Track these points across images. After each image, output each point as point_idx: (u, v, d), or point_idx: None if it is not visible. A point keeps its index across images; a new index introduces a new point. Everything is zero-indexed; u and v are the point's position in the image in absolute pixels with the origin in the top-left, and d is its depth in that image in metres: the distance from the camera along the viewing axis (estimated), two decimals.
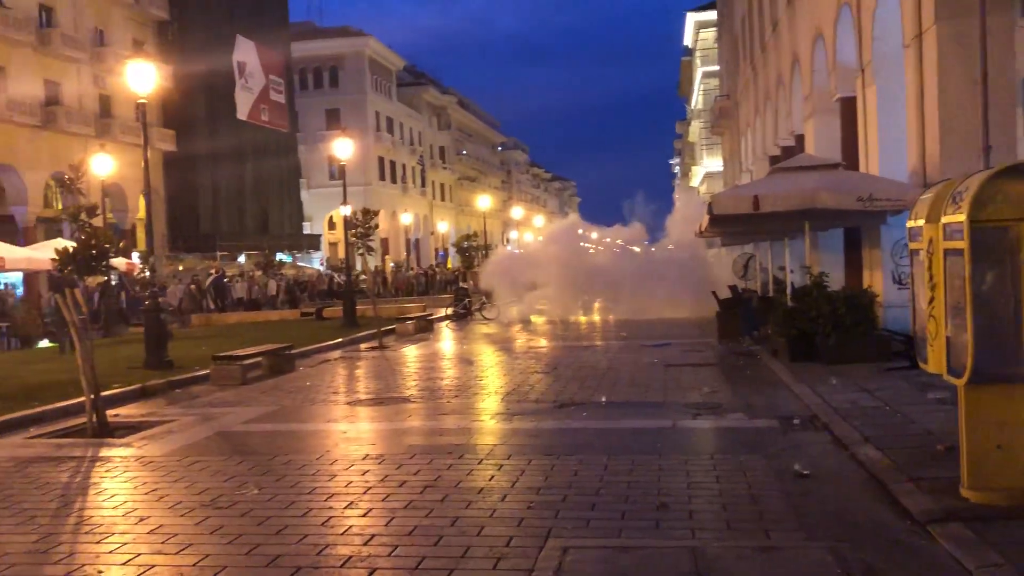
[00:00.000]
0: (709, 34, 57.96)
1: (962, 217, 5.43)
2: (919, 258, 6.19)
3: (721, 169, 52.95)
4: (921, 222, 6.05)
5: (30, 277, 32.56)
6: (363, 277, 34.11)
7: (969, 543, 5.08)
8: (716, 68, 53.65)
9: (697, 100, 66.51)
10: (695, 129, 71.08)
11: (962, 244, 5.45)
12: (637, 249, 34.87)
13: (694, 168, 74.97)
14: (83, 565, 5.47)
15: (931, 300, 5.89)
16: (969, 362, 5.46)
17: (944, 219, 5.67)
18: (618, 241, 37.35)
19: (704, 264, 27.18)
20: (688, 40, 67.40)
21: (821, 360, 12.62)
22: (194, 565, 5.39)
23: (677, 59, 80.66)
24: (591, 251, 36.46)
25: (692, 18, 61.78)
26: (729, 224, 16.08)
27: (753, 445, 8.11)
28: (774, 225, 16.06)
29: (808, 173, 13.84)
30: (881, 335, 13.11)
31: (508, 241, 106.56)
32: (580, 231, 38.61)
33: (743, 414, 9.74)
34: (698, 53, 63.34)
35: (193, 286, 35.50)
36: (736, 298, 18.65)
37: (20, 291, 30.73)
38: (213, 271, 37.93)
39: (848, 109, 16.79)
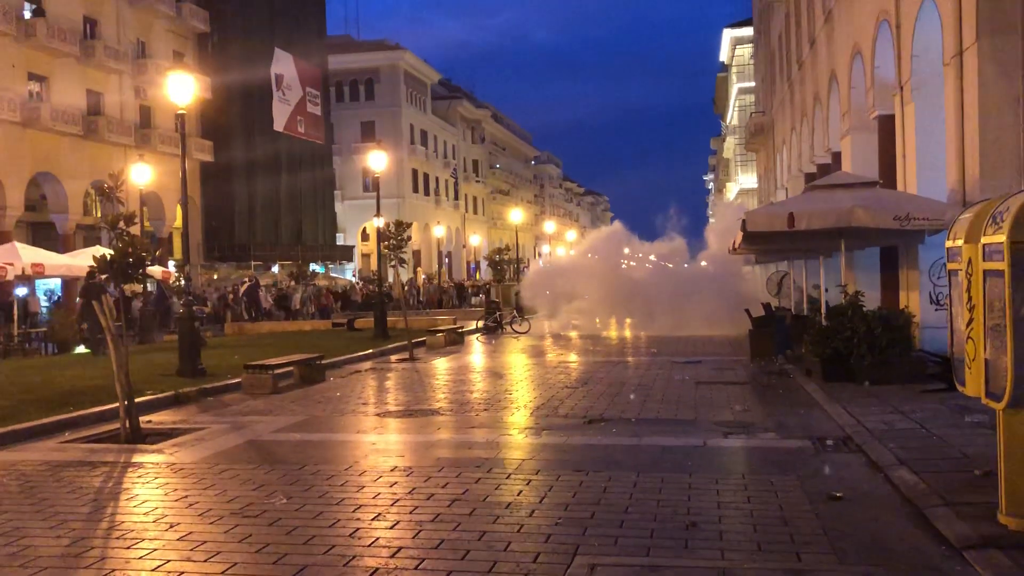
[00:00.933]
0: (745, 50, 57.76)
1: (1003, 238, 5.33)
2: (958, 279, 6.09)
3: (756, 186, 52.61)
4: (960, 242, 5.96)
5: (69, 283, 33.11)
6: (388, 283, 34.22)
7: (1007, 570, 4.96)
8: (752, 84, 53.45)
9: (732, 116, 66.24)
10: (730, 145, 70.78)
11: (1002, 265, 5.35)
12: (670, 265, 34.65)
13: (728, 184, 74.57)
14: (113, 570, 5.52)
15: (969, 321, 5.79)
16: (1009, 385, 5.35)
17: (984, 239, 5.57)
18: (651, 256, 37.21)
19: (737, 281, 26.98)
20: (724, 56, 67.26)
21: (856, 381, 12.45)
22: (222, 573, 5.41)
23: (713, 75, 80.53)
24: (624, 266, 36.39)
25: (728, 34, 61.64)
26: (763, 241, 15.95)
27: (785, 466, 8.00)
28: (809, 243, 15.93)
29: (844, 191, 13.69)
30: (917, 356, 12.91)
31: (540, 255, 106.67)
32: (622, 242, 38.17)
33: (775, 434, 9.62)
34: (734, 69, 63.13)
35: (232, 295, 35.92)
36: (769, 316, 18.47)
37: (59, 296, 31.21)
38: (247, 280, 38.31)
39: (886, 127, 16.61)
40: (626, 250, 39.78)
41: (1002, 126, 11.70)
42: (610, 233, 39.98)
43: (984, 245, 5.58)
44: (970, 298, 5.78)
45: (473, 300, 46.07)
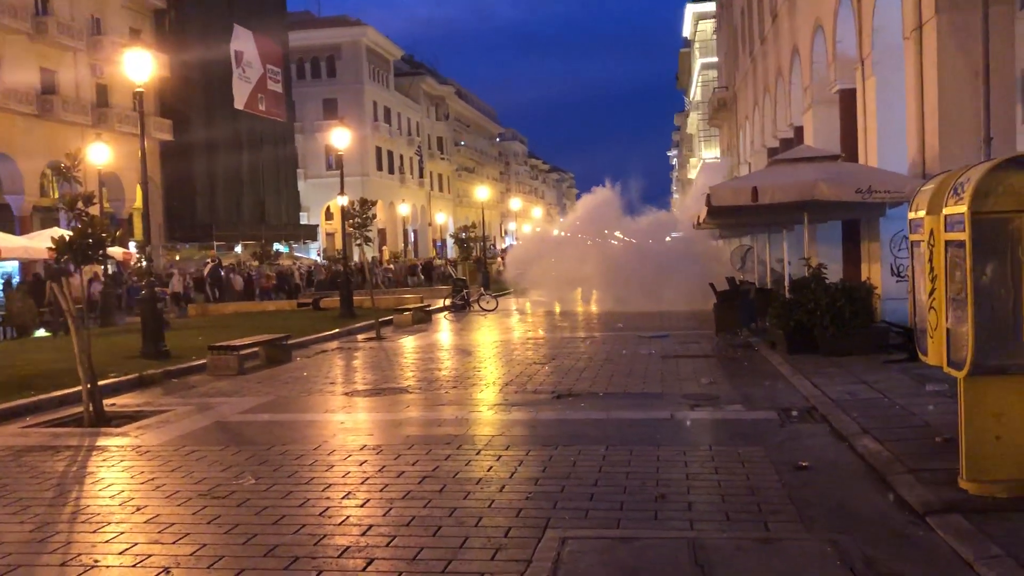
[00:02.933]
0: (708, 25, 57.83)
1: (963, 208, 5.41)
2: (920, 250, 6.17)
3: (719, 161, 52.87)
4: (922, 213, 6.03)
5: (26, 266, 32.48)
6: (354, 262, 33.88)
7: (968, 534, 5.07)
8: (715, 60, 53.53)
9: (696, 92, 66.41)
10: (693, 121, 70.98)
11: (963, 236, 5.43)
12: (651, 240, 34.21)
13: (692, 160, 74.87)
14: (79, 554, 5.45)
15: (931, 292, 5.88)
16: (969, 354, 5.45)
17: (945, 210, 5.65)
18: (616, 233, 37.16)
19: (704, 256, 27.10)
20: (687, 31, 67.28)
21: (819, 352, 12.61)
22: (191, 555, 5.37)
23: (676, 51, 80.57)
24: (603, 241, 36.25)
25: (691, 9, 61.65)
26: (727, 216, 16.06)
27: (751, 436, 8.10)
28: (772, 217, 16.06)
29: (807, 165, 13.81)
30: (879, 327, 13.10)
31: (507, 232, 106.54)
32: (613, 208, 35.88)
33: (741, 405, 9.73)
34: (697, 44, 63.20)
35: (194, 277, 35.54)
36: (734, 290, 18.63)
37: (16, 280, 30.63)
38: (210, 260, 37.87)
39: (847, 101, 16.75)
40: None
41: (961, 99, 11.84)
42: (604, 201, 36.78)
43: (946, 216, 5.65)
44: (932, 269, 5.87)
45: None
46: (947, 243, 5.67)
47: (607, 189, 37.20)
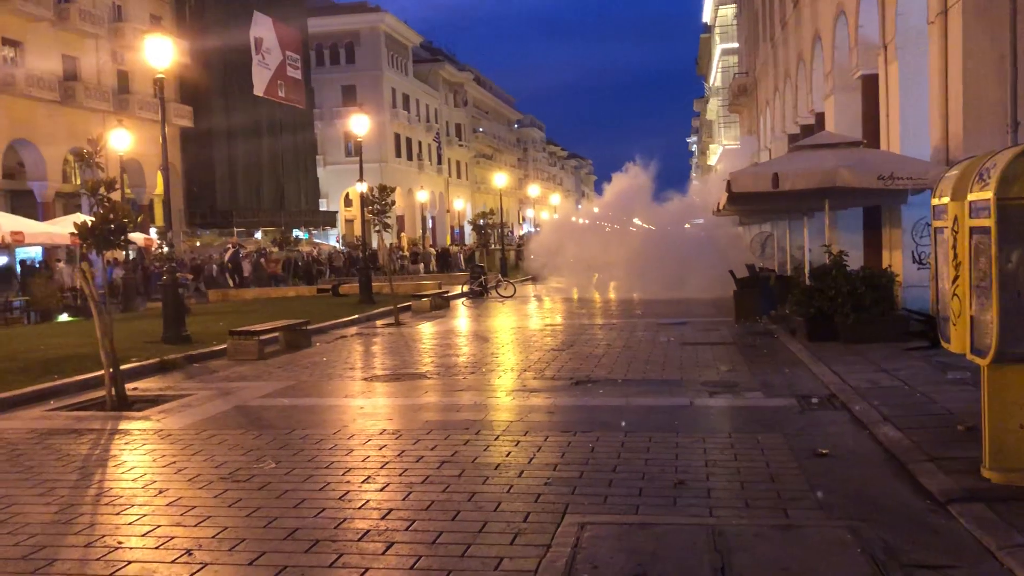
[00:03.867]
0: (728, 11, 57.32)
1: (989, 194, 5.34)
2: (943, 236, 6.11)
3: (739, 147, 52.51)
4: (946, 200, 5.97)
5: (49, 251, 32.78)
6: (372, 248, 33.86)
7: (990, 523, 5.03)
8: (735, 45, 53.13)
9: (715, 78, 65.93)
10: (713, 107, 70.53)
11: (988, 222, 5.37)
12: (687, 226, 33.71)
13: (712, 146, 74.42)
14: (103, 536, 5.51)
15: (955, 279, 5.82)
16: (994, 342, 5.40)
17: (970, 196, 5.59)
18: (635, 220, 36.98)
19: (724, 243, 26.92)
20: (707, 17, 66.78)
21: (839, 340, 12.55)
22: (213, 537, 5.42)
23: (696, 36, 80.00)
24: (607, 229, 36.17)
25: None
26: (747, 202, 15.96)
27: (771, 424, 8.07)
28: (793, 204, 15.95)
29: (828, 151, 13.70)
30: (900, 315, 13.01)
31: (525, 219, 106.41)
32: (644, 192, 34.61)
33: (761, 393, 9.69)
34: (717, 30, 62.70)
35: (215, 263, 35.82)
36: (753, 277, 18.54)
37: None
38: (230, 246, 38.08)
39: (870, 86, 16.57)
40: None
41: (986, 84, 11.69)
42: (634, 185, 35.31)
43: (970, 202, 5.59)
44: (956, 255, 5.81)
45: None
46: (971, 229, 5.60)
47: (636, 173, 36.12)
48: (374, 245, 35.35)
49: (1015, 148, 5.58)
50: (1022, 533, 4.81)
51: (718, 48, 62.40)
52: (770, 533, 5.20)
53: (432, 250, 52.53)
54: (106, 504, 6.25)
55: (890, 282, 13.13)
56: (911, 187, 12.67)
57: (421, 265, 45.27)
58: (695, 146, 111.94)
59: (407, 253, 48.84)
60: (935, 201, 6.32)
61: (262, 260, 36.86)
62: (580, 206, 46.45)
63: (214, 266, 35.91)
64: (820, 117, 21.45)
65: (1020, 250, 5.43)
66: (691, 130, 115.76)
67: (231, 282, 34.68)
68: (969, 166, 5.86)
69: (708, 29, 69.67)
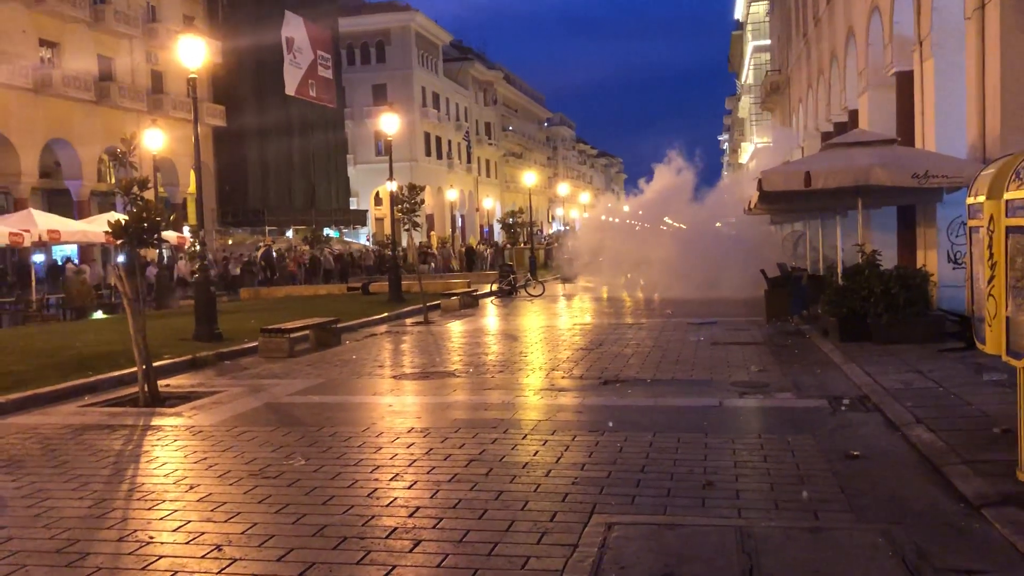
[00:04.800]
0: (761, 7, 56.85)
1: None
2: (979, 235, 6.00)
3: (772, 145, 52.03)
4: (982, 198, 5.87)
5: (85, 249, 33.30)
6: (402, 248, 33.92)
7: None
8: (767, 42, 52.67)
9: (747, 75, 65.41)
10: (745, 104, 69.97)
11: None
12: (718, 224, 33.45)
13: (743, 144, 73.84)
14: (135, 531, 5.58)
15: (990, 279, 5.72)
16: None
17: (1007, 195, 5.48)
18: (665, 219, 36.75)
19: (756, 242, 26.65)
20: (739, 14, 66.27)
21: (872, 340, 12.39)
22: (242, 533, 5.46)
23: (727, 33, 79.41)
24: (637, 228, 36.02)
25: None
26: (779, 201, 15.81)
27: (801, 425, 7.99)
28: (825, 202, 15.77)
29: (862, 149, 13.52)
30: (935, 315, 12.83)
31: (554, 218, 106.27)
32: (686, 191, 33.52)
33: (791, 393, 9.60)
34: (749, 27, 62.20)
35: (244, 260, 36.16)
36: (785, 277, 18.36)
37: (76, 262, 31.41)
38: (263, 244, 38.44)
39: (904, 83, 16.35)
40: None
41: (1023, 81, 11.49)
42: (676, 184, 34.08)
43: (1007, 201, 5.49)
44: (991, 255, 5.71)
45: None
46: (1008, 229, 5.50)
47: (678, 168, 35.18)
48: (404, 243, 35.47)
49: None
50: None
51: (750, 45, 61.92)
52: (800, 535, 5.15)
53: (451, 249, 51.83)
54: (138, 499, 6.32)
55: (924, 282, 12.95)
56: (946, 185, 12.48)
57: (430, 265, 42.73)
58: (726, 144, 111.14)
59: (435, 251, 48.93)
60: (970, 200, 6.22)
61: (287, 258, 37.08)
62: (610, 205, 45.78)
63: (237, 265, 36.15)
64: (854, 115, 21.21)
65: None
66: (722, 128, 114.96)
67: (265, 276, 34.97)
68: (1006, 164, 5.75)
69: (740, 26, 69.12)
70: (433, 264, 44.43)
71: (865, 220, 14.45)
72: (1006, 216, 5.51)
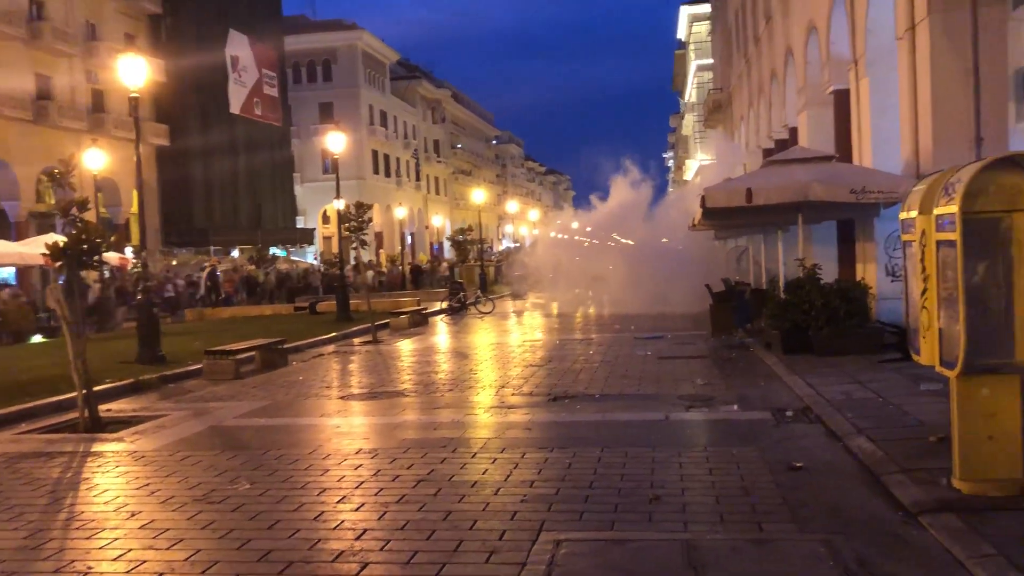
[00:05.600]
0: (703, 27, 57.91)
1: (954, 208, 5.42)
2: (912, 250, 6.18)
3: (713, 164, 52.84)
4: (914, 213, 6.05)
5: (22, 272, 32.42)
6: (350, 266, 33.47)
7: (961, 534, 5.08)
8: (710, 61, 53.62)
9: (691, 93, 66.47)
10: (688, 122, 71.04)
11: (954, 235, 5.44)
12: (630, 242, 34.14)
13: (688, 161, 74.90)
14: (73, 561, 5.44)
15: (924, 292, 5.89)
16: (961, 354, 5.46)
17: (937, 210, 5.66)
18: (614, 235, 37.07)
19: (700, 257, 27.01)
20: (682, 33, 67.42)
21: (814, 352, 12.63)
22: (186, 560, 5.36)
23: (671, 53, 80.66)
24: (585, 244, 36.30)
25: (686, 11, 61.77)
26: (722, 217, 16.07)
27: (746, 437, 8.11)
28: (767, 218, 16.07)
29: (801, 165, 13.83)
30: (874, 327, 13.12)
31: (504, 235, 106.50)
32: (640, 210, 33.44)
33: (736, 406, 9.74)
34: (692, 46, 63.29)
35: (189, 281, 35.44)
36: (729, 291, 18.64)
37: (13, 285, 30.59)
38: (207, 266, 37.84)
39: (841, 101, 16.77)
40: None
41: (954, 99, 11.87)
42: (632, 201, 34.20)
43: (937, 216, 5.66)
44: (924, 268, 5.88)
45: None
46: (939, 243, 5.68)
47: (634, 184, 35.34)
48: (352, 262, 35.18)
49: (979, 163, 5.67)
50: (991, 543, 4.86)
51: (693, 64, 62.98)
52: (745, 547, 5.22)
53: (397, 267, 50.99)
54: (77, 528, 6.17)
55: (863, 295, 13.25)
56: (883, 200, 12.81)
57: (378, 282, 40.77)
58: (671, 161, 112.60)
59: (385, 269, 48.56)
60: (903, 215, 6.40)
61: (219, 277, 36.24)
62: (574, 225, 45.65)
63: (175, 284, 35.38)
64: (793, 132, 21.68)
65: (985, 263, 5.51)
66: (667, 146, 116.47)
67: (210, 297, 34.37)
68: (936, 180, 5.94)
69: (683, 46, 70.32)
70: (382, 281, 44.03)
71: (806, 235, 14.76)
72: (936, 231, 5.68)
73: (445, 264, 52.94)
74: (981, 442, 5.63)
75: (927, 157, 12.34)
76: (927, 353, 5.95)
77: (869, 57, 14.93)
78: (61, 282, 10.49)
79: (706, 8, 53.53)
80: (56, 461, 8.41)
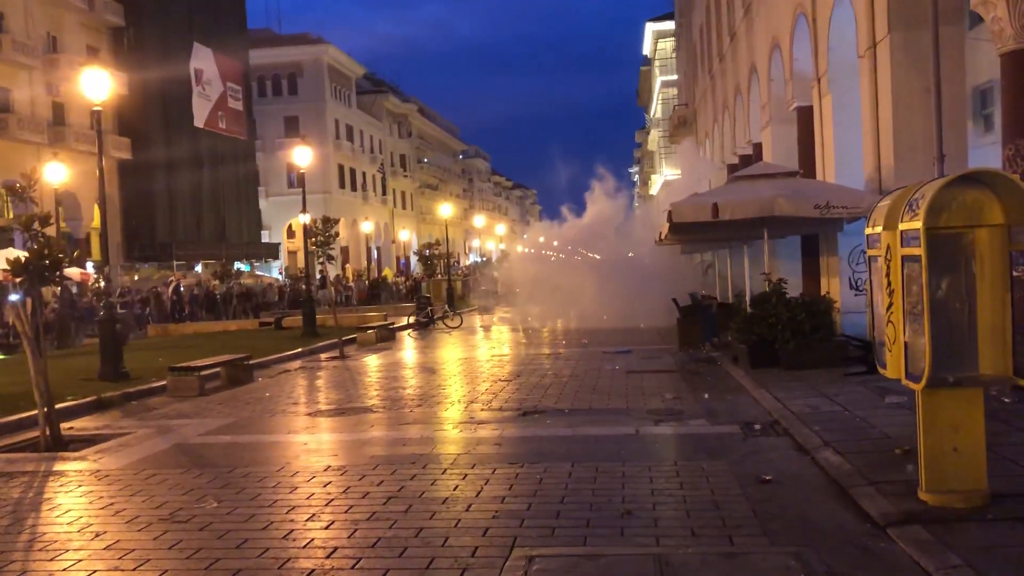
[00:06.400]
0: (668, 44, 58.52)
1: (918, 224, 5.51)
2: (877, 264, 6.28)
3: (679, 178, 53.32)
4: (879, 229, 6.14)
5: None
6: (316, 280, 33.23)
7: (928, 545, 5.14)
8: (675, 77, 54.18)
9: (656, 109, 67.06)
10: (654, 138, 71.63)
11: (919, 251, 5.53)
12: (597, 256, 34.40)
13: (653, 176, 75.51)
14: None
15: (889, 306, 5.98)
16: (927, 367, 5.54)
17: (901, 226, 5.75)
18: (580, 249, 37.24)
19: (668, 271, 27.20)
20: (647, 50, 68.02)
21: (781, 366, 12.75)
22: None
23: (636, 68, 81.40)
24: (552, 259, 36.43)
25: (651, 28, 62.36)
26: (689, 232, 16.21)
27: (715, 451, 8.16)
28: (733, 232, 16.24)
29: (766, 181, 14.01)
30: (839, 341, 13.28)
31: (471, 249, 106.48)
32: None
33: (705, 420, 9.80)
34: (657, 62, 63.88)
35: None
36: (696, 305, 18.79)
37: None
38: (172, 280, 37.40)
39: (805, 118, 17.05)
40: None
41: (914, 117, 12.12)
42: (608, 216, 34.35)
43: (902, 231, 5.76)
44: (889, 283, 5.97)
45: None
46: (903, 258, 5.77)
47: (608, 197, 35.47)
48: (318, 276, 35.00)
49: (943, 179, 5.78)
50: (958, 554, 4.93)
51: (658, 80, 63.55)
52: (716, 561, 5.24)
53: (363, 281, 50.32)
54: (39, 550, 6.04)
55: (828, 308, 13.42)
56: (846, 216, 13.01)
57: (341, 296, 39.90)
58: (637, 176, 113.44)
59: (351, 283, 48.28)
60: (869, 230, 6.50)
61: (182, 292, 35.74)
62: (541, 239, 45.64)
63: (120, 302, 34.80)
64: (758, 148, 21.97)
65: (949, 278, 5.61)
66: (633, 160, 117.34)
67: (175, 312, 33.97)
68: (900, 196, 6.04)
69: (648, 62, 70.93)
70: (348, 296, 43.77)
71: (771, 249, 14.95)
72: (901, 246, 5.77)
73: (399, 279, 52.54)
74: (947, 454, 5.71)
75: (889, 173, 12.57)
76: (893, 366, 6.03)
77: (831, 75, 15.19)
78: (20, 298, 10.31)
79: (671, 25, 54.13)
80: (17, 481, 8.23)
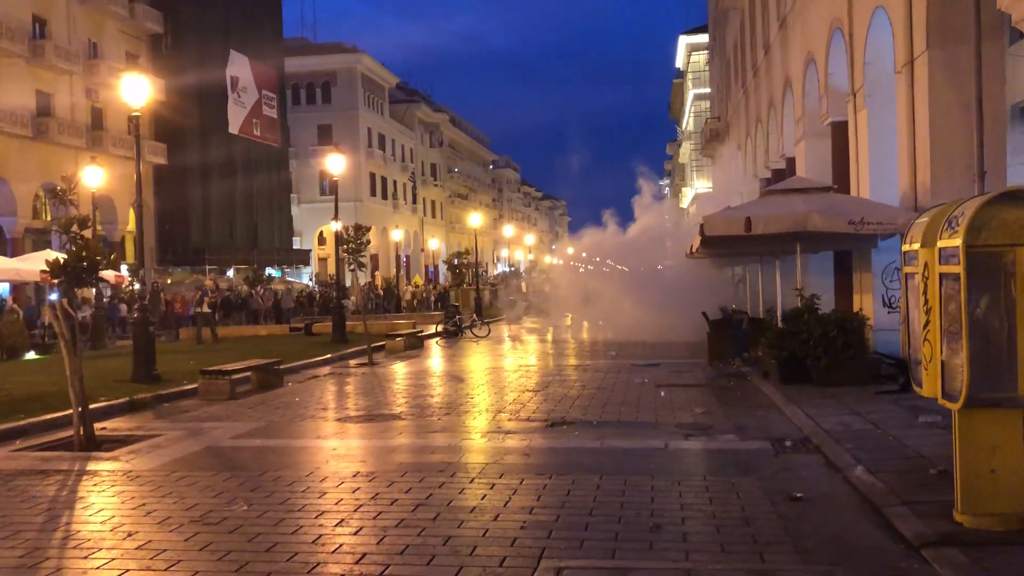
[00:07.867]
0: (701, 57, 58.39)
1: (958, 242, 5.45)
2: (914, 282, 6.21)
3: (711, 191, 53.10)
4: (917, 246, 6.08)
5: (17, 288, 32.38)
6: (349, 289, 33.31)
7: (963, 567, 5.07)
8: (707, 90, 54.03)
9: (688, 122, 66.90)
10: (686, 150, 71.46)
11: (958, 269, 5.47)
12: (626, 268, 34.17)
13: (684, 189, 75.24)
14: None
15: (926, 324, 5.91)
16: (964, 387, 5.47)
17: (940, 243, 5.69)
18: (608, 261, 37.17)
19: (698, 284, 27.02)
20: (680, 62, 67.93)
21: (812, 382, 12.62)
22: None
23: (668, 80, 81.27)
24: (581, 270, 36.41)
25: (684, 41, 62.29)
26: (720, 245, 16.12)
27: (745, 467, 8.09)
28: (765, 247, 16.12)
29: (800, 196, 13.90)
30: (871, 358, 13.13)
31: (499, 259, 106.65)
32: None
33: (735, 435, 9.72)
34: (690, 75, 63.78)
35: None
36: (727, 320, 18.65)
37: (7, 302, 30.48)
38: (199, 291, 37.73)
39: (839, 133, 16.91)
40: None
41: (952, 132, 11.97)
42: (656, 217, 34.40)
43: (940, 249, 5.69)
44: (927, 301, 5.90)
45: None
46: (942, 276, 5.70)
47: (657, 213, 35.25)
48: (348, 283, 35.14)
49: (983, 196, 5.71)
50: None
51: (690, 93, 63.44)
52: None
53: (393, 289, 50.09)
54: (73, 547, 6.12)
55: (861, 325, 13.27)
56: (881, 232, 12.88)
57: (370, 303, 39.35)
58: (667, 189, 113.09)
59: (381, 292, 48.41)
60: (906, 247, 6.43)
61: (162, 296, 35.24)
62: (555, 247, 46.03)
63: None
64: (791, 162, 21.82)
65: (989, 296, 5.53)
66: (663, 173, 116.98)
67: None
68: (939, 213, 5.98)
69: (681, 74, 70.84)
70: (378, 304, 43.76)
71: (803, 264, 14.81)
72: (940, 264, 5.71)
73: (423, 287, 52.28)
74: (983, 476, 5.63)
75: (925, 190, 12.42)
76: (929, 386, 5.95)
77: (867, 89, 15.06)
78: (57, 298, 10.48)
79: (704, 38, 53.99)
80: (52, 479, 8.35)
